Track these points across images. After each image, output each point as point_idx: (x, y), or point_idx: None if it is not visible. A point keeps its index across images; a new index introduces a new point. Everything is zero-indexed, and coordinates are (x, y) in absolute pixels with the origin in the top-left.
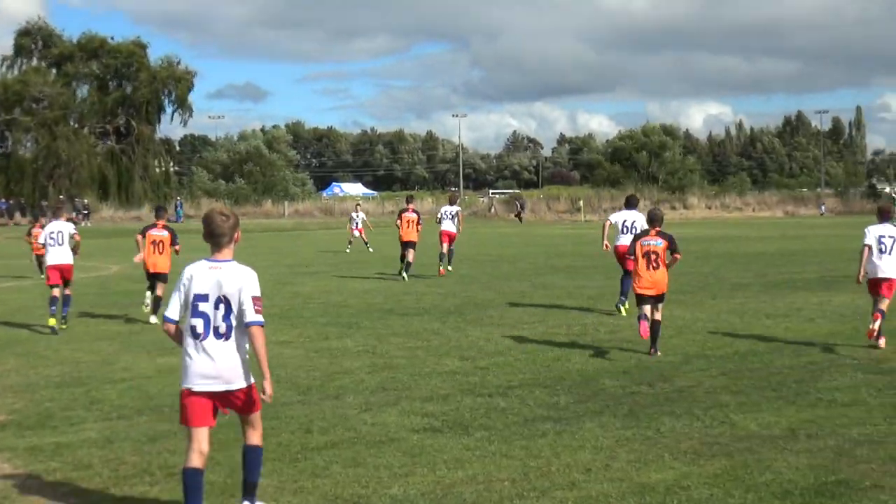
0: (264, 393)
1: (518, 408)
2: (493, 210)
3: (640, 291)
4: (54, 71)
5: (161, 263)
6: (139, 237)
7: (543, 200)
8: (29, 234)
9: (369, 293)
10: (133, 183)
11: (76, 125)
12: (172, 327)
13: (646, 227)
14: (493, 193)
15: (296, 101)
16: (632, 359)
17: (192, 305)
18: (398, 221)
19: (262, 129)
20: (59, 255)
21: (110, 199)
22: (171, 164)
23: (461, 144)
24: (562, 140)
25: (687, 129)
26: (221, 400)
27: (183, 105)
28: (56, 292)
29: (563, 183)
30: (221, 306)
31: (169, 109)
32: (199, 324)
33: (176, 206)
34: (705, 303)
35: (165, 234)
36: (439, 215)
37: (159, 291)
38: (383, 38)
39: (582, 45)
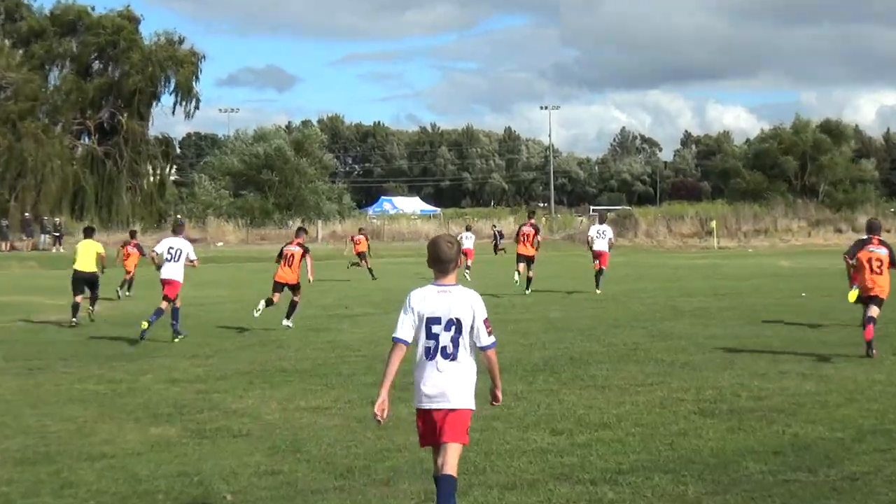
0: (494, 399)
1: (631, 499)
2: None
3: (867, 293)
4: (20, 51)
5: (288, 275)
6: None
7: (662, 220)
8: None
9: None
10: (118, 195)
11: (47, 120)
12: (404, 348)
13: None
14: (594, 211)
15: (332, 90)
16: (785, 434)
17: (426, 328)
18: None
19: (289, 126)
20: (169, 271)
21: (87, 216)
22: (170, 170)
23: (552, 146)
24: (687, 140)
25: (856, 126)
26: (442, 420)
27: (186, 95)
28: (164, 305)
29: (689, 197)
30: (452, 328)
31: (168, 100)
32: (431, 345)
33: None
34: (885, 360)
35: (298, 249)
36: (590, 235)
37: (295, 298)
38: (444, 8)
39: (712, 16)
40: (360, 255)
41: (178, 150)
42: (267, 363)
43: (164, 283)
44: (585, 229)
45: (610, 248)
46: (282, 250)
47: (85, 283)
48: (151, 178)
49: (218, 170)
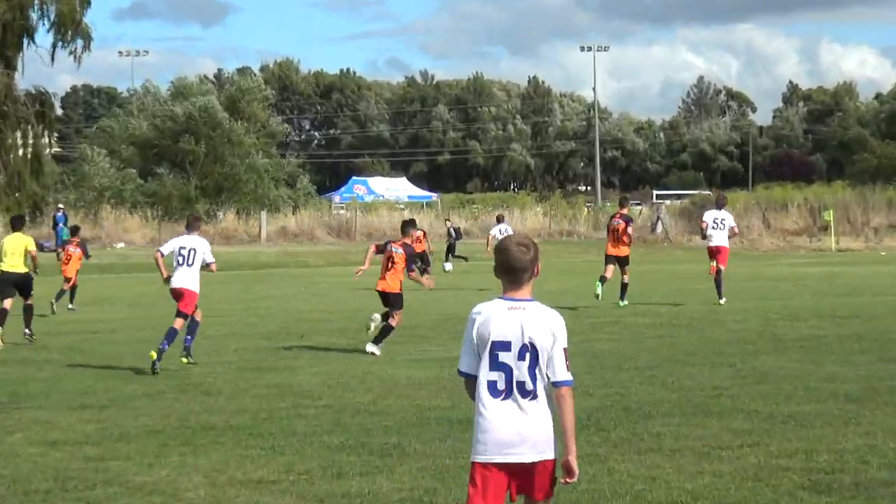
0: (568, 474)
1: None
2: (659, 227)
3: None
4: None
5: (386, 284)
6: (373, 248)
7: (756, 209)
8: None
9: (413, 383)
10: None
11: None
12: (475, 381)
13: None
14: (658, 197)
15: (281, 24)
16: None
17: (491, 355)
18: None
19: (219, 77)
20: (182, 279)
21: None
22: (49, 138)
23: (597, 104)
24: (791, 96)
25: None
26: (520, 476)
27: (71, 30)
28: (178, 323)
29: (795, 176)
30: (527, 356)
31: (45, 39)
32: (499, 378)
33: (56, 220)
34: None
35: (401, 252)
36: (706, 222)
37: (393, 316)
38: None
39: None
40: (420, 256)
41: (61, 111)
42: (188, 417)
43: (177, 294)
44: (648, 222)
45: (730, 237)
46: (385, 246)
47: (13, 285)
48: (21, 151)
49: (118, 139)
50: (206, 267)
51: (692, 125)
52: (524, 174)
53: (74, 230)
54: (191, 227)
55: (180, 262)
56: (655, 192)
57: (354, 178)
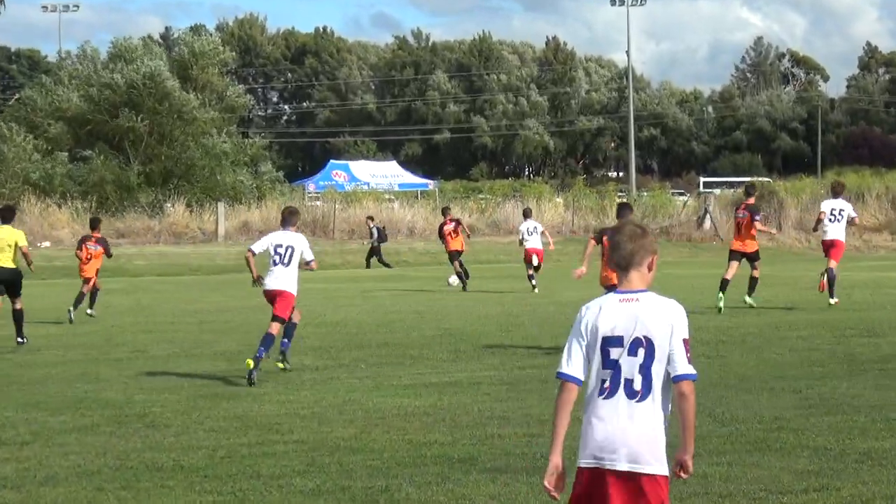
0: (683, 470)
1: None
2: (707, 221)
3: None
4: None
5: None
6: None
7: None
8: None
9: (404, 413)
10: None
11: None
12: (575, 390)
13: None
14: (705, 185)
15: None
16: None
17: (602, 352)
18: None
19: (166, 37)
20: (279, 279)
21: None
22: None
23: (631, 71)
24: (870, 61)
25: None
26: (621, 488)
27: None
28: (274, 328)
29: (875, 160)
30: (640, 352)
31: None
32: (608, 377)
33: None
34: None
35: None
36: (823, 211)
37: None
38: None
39: None
40: (453, 256)
41: None
42: (128, 455)
43: (272, 296)
44: (693, 216)
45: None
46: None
47: (2, 283)
48: None
49: (42, 113)
50: (305, 266)
51: (748, 97)
52: (541, 157)
53: (94, 223)
54: (286, 222)
55: (276, 261)
56: (702, 180)
57: (333, 161)
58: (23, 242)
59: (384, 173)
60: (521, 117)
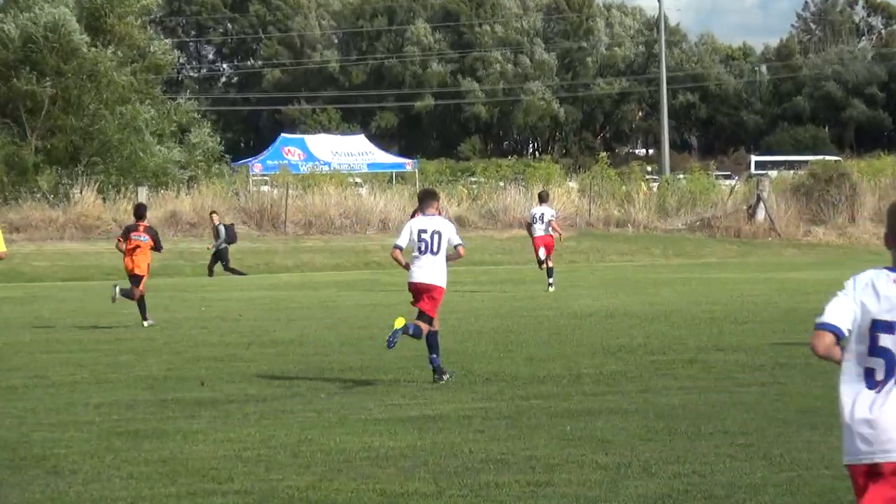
0: None
1: None
2: (761, 211)
3: None
4: None
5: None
6: None
7: None
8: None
9: (374, 456)
10: None
11: None
12: (833, 339)
13: None
14: (757, 165)
15: None
16: None
17: (871, 337)
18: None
19: None
20: (425, 271)
21: None
22: None
23: (662, 20)
24: None
25: None
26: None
27: None
28: (424, 327)
29: None
30: None
31: None
32: (878, 365)
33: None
34: None
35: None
36: None
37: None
38: None
39: None
40: None
41: None
42: None
43: (419, 290)
44: (743, 204)
45: None
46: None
47: None
48: None
49: None
50: (452, 252)
51: (812, 54)
52: (549, 130)
53: (141, 211)
54: (426, 205)
55: (422, 249)
56: (754, 158)
57: (284, 135)
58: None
59: (350, 150)
60: (524, 79)
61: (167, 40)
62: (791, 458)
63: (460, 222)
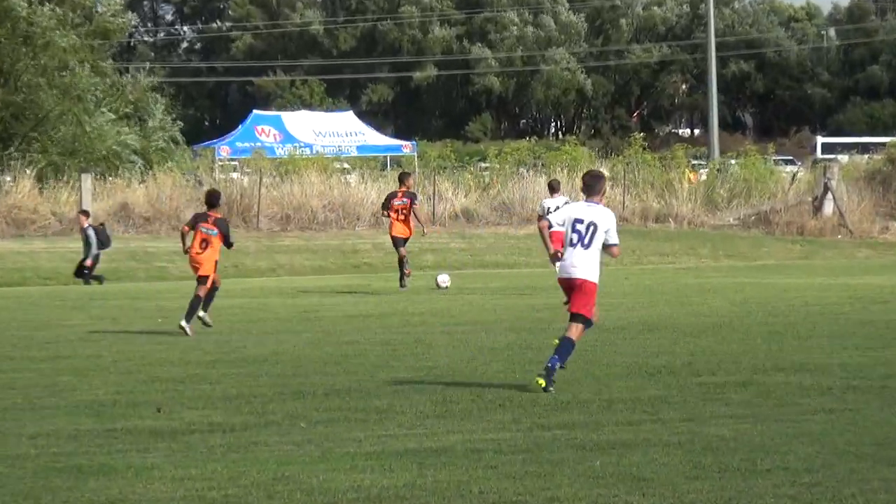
0: None
1: None
2: (829, 204)
3: None
4: None
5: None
6: None
7: None
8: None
9: (365, 497)
10: None
11: None
12: None
13: None
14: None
15: None
16: None
17: None
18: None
19: None
20: (580, 264)
21: None
22: None
23: None
24: None
25: None
26: None
27: None
28: (574, 331)
29: None
30: None
31: None
32: None
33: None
34: None
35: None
36: None
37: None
38: None
39: None
40: (397, 242)
41: None
42: None
43: (569, 286)
44: (809, 195)
45: None
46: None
47: None
48: None
49: None
50: (606, 250)
51: (890, 15)
52: (575, 106)
53: (214, 198)
54: (591, 190)
55: (574, 240)
56: (821, 140)
57: (258, 112)
58: None
59: (336, 130)
60: (545, 45)
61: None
62: (865, 499)
63: (467, 216)
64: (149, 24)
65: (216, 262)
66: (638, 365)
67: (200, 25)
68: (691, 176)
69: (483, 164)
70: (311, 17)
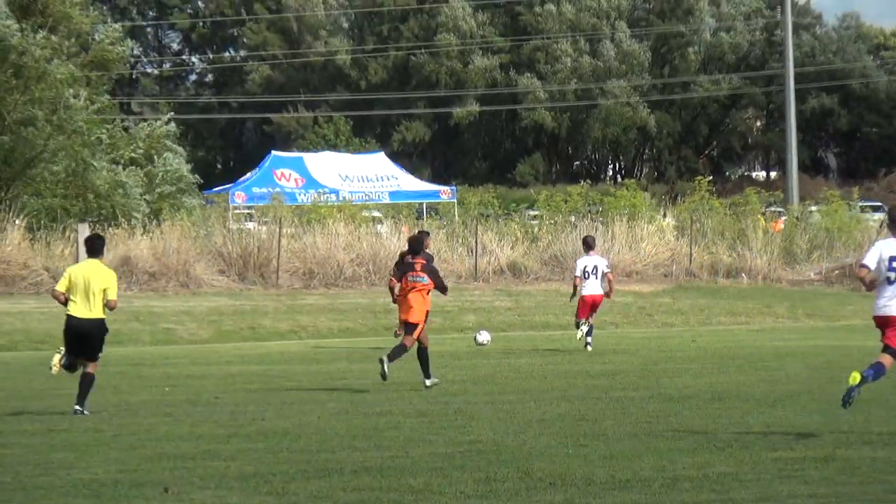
0: None
1: None
2: None
3: None
4: None
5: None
6: None
7: None
8: None
9: None
10: None
11: None
12: None
13: None
14: None
15: None
16: None
17: None
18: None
19: None
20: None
21: None
22: None
23: None
24: None
25: None
26: None
27: None
28: (887, 360)
29: None
30: None
31: None
32: None
33: None
34: None
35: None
36: None
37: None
38: None
39: None
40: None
41: None
42: None
43: (885, 322)
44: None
45: None
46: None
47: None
48: None
49: None
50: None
51: None
52: (636, 145)
53: (416, 244)
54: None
55: (892, 278)
56: None
57: (276, 154)
58: (112, 291)
59: (365, 173)
60: (604, 76)
61: (117, 25)
62: None
63: (513, 270)
64: (152, 54)
65: (427, 311)
66: (706, 438)
67: (211, 55)
68: (770, 225)
69: (531, 212)
70: (338, 46)
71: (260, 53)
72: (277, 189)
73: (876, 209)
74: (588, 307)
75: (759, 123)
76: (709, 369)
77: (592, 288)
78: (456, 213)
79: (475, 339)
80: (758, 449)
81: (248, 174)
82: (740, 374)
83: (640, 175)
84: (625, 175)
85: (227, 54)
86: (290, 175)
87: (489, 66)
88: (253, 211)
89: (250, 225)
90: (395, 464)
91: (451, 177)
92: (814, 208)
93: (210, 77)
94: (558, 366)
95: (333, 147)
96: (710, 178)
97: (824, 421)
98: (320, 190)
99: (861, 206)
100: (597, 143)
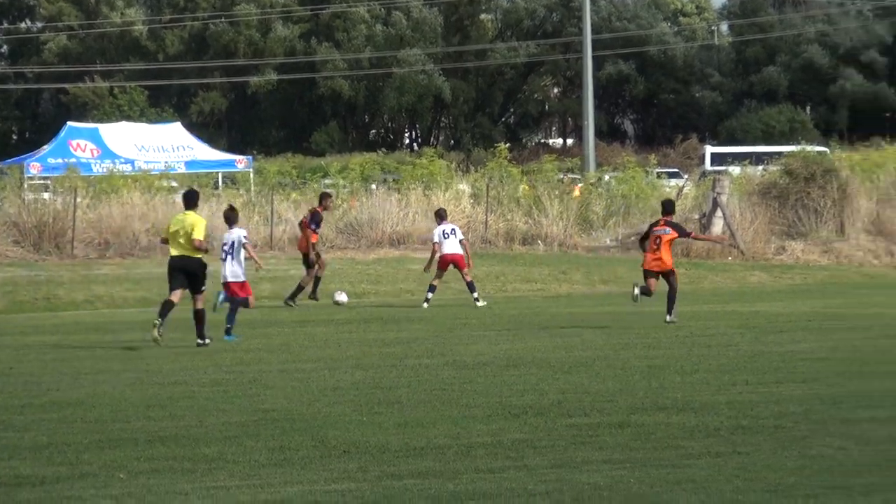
0: None
1: None
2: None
3: None
4: None
5: None
6: None
7: None
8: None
9: None
10: None
11: None
12: None
13: None
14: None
15: None
16: None
17: None
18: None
19: None
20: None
21: None
22: None
23: None
24: None
25: None
26: None
27: None
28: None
29: None
30: None
31: None
32: None
33: None
34: None
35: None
36: None
37: None
38: None
39: None
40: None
41: None
42: None
43: None
44: (691, 214)
45: None
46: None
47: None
48: None
49: None
50: None
51: (789, 8)
52: (432, 113)
53: (669, 205)
54: None
55: None
56: (710, 150)
57: (72, 124)
58: (199, 233)
59: (161, 144)
60: (398, 44)
61: None
62: None
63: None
64: None
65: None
66: (500, 405)
67: (6, 25)
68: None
69: (327, 181)
70: (132, 16)
71: (55, 24)
72: (73, 160)
73: (672, 175)
74: (447, 265)
75: (556, 90)
76: (504, 336)
77: (452, 246)
78: (252, 181)
79: (333, 298)
80: (552, 415)
81: (44, 145)
82: (535, 341)
83: (437, 143)
84: (421, 143)
85: (23, 25)
86: (85, 146)
87: (289, 36)
88: (49, 181)
89: (46, 195)
90: (189, 433)
91: (247, 146)
92: (609, 176)
93: (5, 48)
94: (353, 334)
95: (129, 118)
96: (507, 145)
97: (619, 387)
98: (116, 160)
99: (658, 173)
100: (393, 112)
